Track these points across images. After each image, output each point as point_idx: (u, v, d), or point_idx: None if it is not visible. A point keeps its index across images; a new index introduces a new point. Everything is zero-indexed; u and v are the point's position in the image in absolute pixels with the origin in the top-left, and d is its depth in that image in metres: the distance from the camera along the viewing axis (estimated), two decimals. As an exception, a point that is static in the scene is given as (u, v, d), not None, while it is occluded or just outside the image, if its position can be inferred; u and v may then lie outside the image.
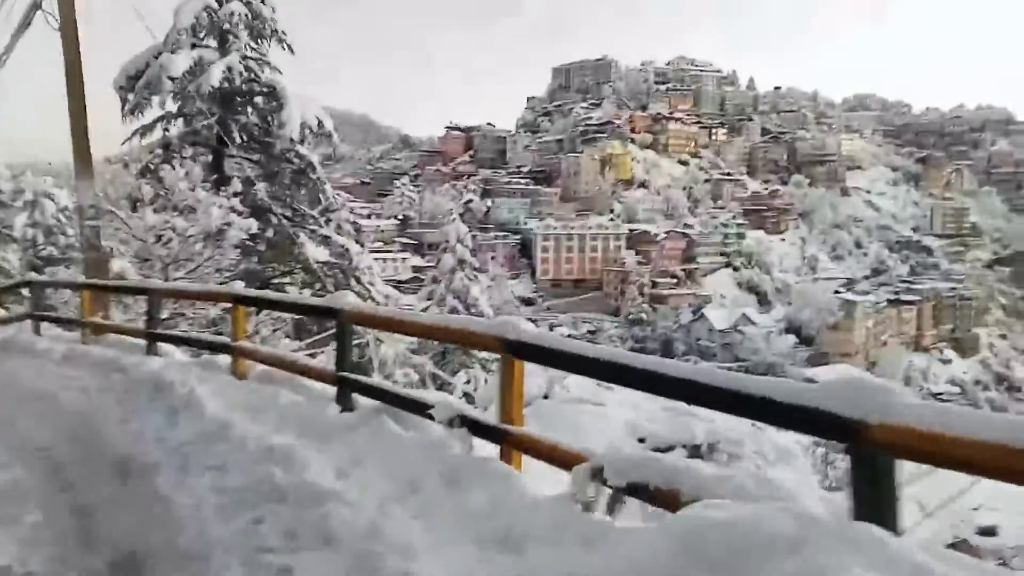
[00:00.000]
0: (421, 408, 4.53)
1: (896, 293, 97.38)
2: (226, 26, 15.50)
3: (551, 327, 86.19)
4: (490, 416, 4.17)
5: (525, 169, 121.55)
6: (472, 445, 4.15)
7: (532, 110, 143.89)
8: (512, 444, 3.88)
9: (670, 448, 4.99)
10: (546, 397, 6.09)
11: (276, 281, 16.21)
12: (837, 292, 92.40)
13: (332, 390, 5.59)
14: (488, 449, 4.12)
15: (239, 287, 7.20)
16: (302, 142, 16.45)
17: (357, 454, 4.41)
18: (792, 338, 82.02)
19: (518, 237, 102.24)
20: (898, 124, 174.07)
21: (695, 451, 4.95)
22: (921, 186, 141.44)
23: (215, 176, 15.54)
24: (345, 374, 5.48)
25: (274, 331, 13.82)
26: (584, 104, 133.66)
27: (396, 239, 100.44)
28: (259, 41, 16.06)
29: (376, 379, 7.65)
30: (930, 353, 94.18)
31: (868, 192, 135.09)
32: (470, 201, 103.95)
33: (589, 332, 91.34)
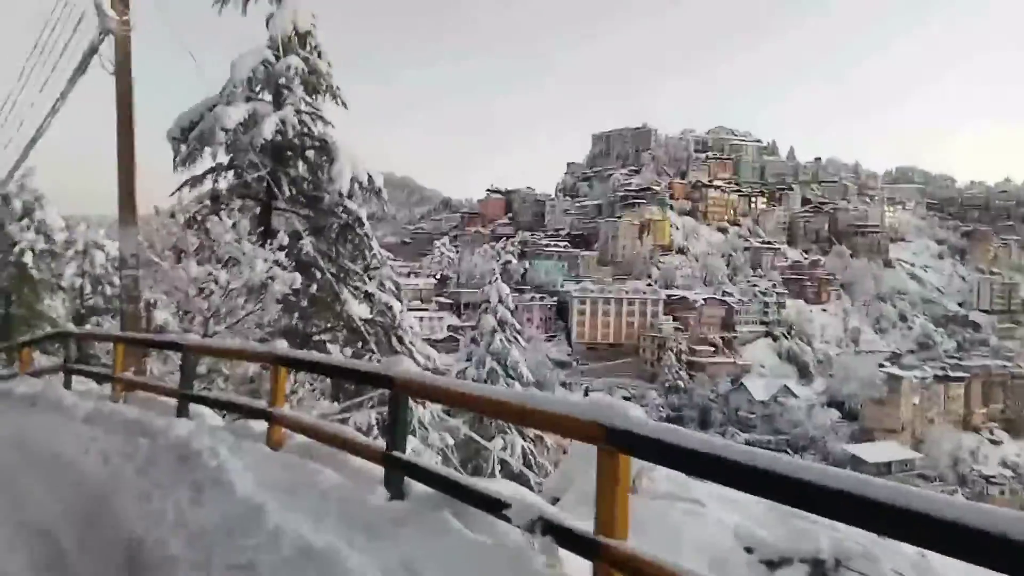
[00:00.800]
0: (490, 504, 3.74)
1: (943, 369, 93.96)
2: (282, 80, 15.42)
3: (586, 391, 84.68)
4: (583, 522, 3.37)
5: (563, 232, 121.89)
6: (559, 559, 3.36)
7: (572, 175, 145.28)
8: (612, 562, 3.07)
9: (785, 561, 4.10)
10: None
11: (317, 338, 15.71)
12: (882, 366, 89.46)
13: (378, 469, 4.82)
14: (578, 564, 3.31)
15: (282, 346, 6.54)
16: (350, 197, 16.14)
17: (410, 558, 3.63)
18: (835, 412, 79.16)
19: (554, 299, 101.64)
20: (941, 197, 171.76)
21: (818, 567, 4.03)
22: (967, 260, 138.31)
23: (261, 229, 15.23)
24: (398, 454, 4.70)
25: (312, 390, 13.19)
26: (624, 170, 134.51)
27: (434, 298, 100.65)
28: (314, 96, 15.94)
29: (434, 463, 6.33)
30: (980, 433, 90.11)
31: (912, 265, 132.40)
32: (508, 262, 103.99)
33: (624, 398, 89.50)
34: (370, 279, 17.63)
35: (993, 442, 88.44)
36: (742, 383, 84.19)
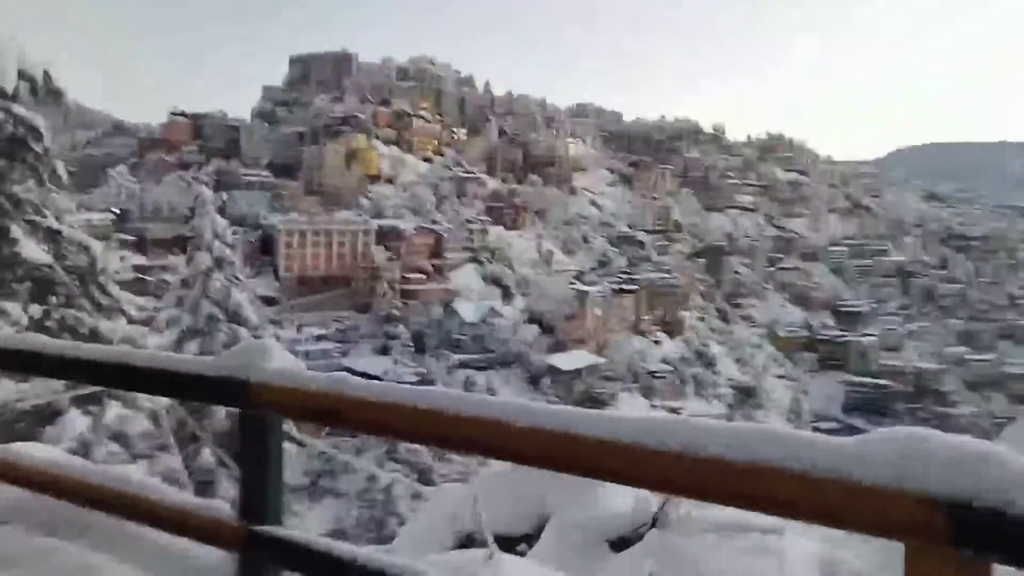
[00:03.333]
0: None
1: (619, 283, 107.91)
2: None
3: (299, 328, 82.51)
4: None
5: (264, 161, 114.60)
6: None
7: (269, 100, 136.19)
8: None
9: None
10: (654, 524, 3.52)
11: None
12: (571, 284, 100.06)
13: (215, 555, 2.62)
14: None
15: None
16: (15, 99, 12.77)
17: None
18: (535, 328, 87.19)
19: (259, 233, 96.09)
20: (612, 131, 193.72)
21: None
22: (634, 187, 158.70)
23: None
24: (269, 531, 2.44)
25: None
26: (325, 97, 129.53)
27: (113, 235, 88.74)
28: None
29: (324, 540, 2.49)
30: (646, 336, 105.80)
31: (592, 192, 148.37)
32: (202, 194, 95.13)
33: (339, 331, 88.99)
34: (47, 213, 14.63)
35: (656, 343, 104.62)
36: (453, 307, 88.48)
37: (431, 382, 71.98)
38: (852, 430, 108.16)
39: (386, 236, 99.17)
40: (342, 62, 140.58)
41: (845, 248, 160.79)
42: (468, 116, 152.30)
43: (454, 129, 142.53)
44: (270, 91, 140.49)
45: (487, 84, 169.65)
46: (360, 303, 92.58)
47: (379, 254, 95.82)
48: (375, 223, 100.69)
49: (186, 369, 2.60)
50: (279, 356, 2.37)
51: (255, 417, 2.42)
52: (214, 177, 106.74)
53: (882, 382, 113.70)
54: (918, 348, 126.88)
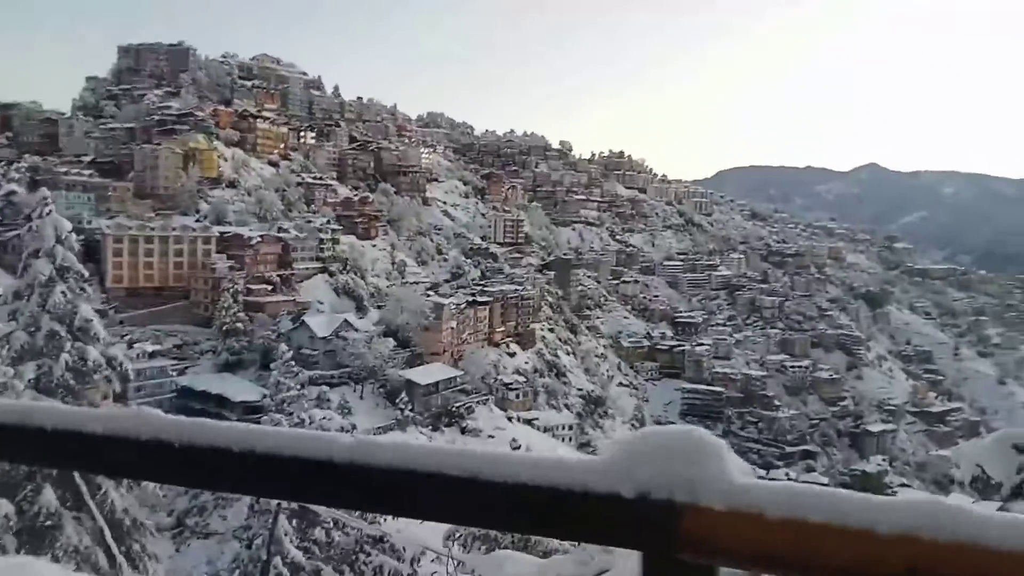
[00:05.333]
0: None
1: (473, 295, 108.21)
2: None
3: (130, 344, 75.33)
4: None
5: (87, 159, 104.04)
6: None
7: (93, 91, 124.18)
8: None
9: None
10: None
11: None
12: (427, 296, 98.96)
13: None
14: None
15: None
16: None
17: None
18: (391, 341, 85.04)
19: (81, 238, 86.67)
20: (463, 143, 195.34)
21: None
22: (486, 199, 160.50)
23: None
24: None
25: None
26: (159, 92, 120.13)
27: None
28: None
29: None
30: (500, 347, 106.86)
31: (445, 203, 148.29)
32: (13, 193, 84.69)
33: (176, 347, 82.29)
34: None
35: (510, 354, 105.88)
36: (303, 320, 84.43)
37: (280, 401, 68.16)
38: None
39: (229, 244, 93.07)
40: (178, 55, 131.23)
41: (680, 262, 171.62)
42: (316, 120, 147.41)
43: (302, 132, 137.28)
44: (95, 82, 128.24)
45: (336, 88, 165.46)
46: (200, 316, 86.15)
47: (221, 263, 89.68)
48: (216, 230, 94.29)
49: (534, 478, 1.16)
50: (728, 457, 1.16)
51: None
52: (28, 175, 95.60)
53: (715, 388, 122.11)
54: (745, 356, 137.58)
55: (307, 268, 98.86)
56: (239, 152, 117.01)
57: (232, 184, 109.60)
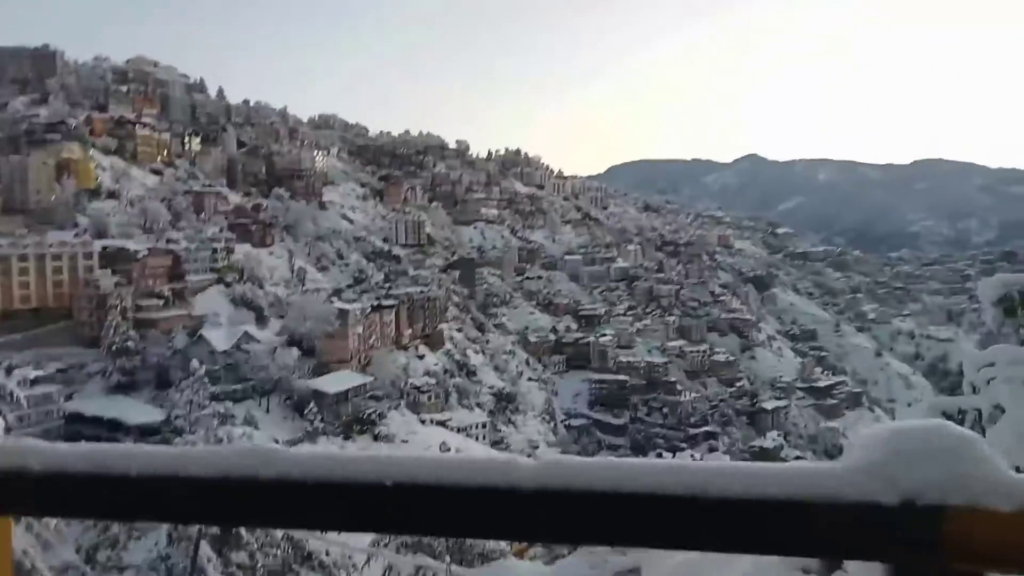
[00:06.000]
0: None
1: (378, 299, 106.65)
2: None
3: (9, 370, 70.02)
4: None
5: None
6: None
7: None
8: None
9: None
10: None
11: None
12: (330, 302, 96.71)
13: None
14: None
15: None
16: None
17: None
18: (295, 351, 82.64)
19: (-57, 259, 79.74)
20: (358, 145, 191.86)
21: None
22: (385, 201, 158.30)
23: None
24: None
25: None
26: (24, 99, 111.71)
27: None
28: None
29: None
30: (408, 350, 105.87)
31: (343, 206, 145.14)
32: None
33: (59, 371, 76.85)
34: None
35: (419, 357, 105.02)
36: (201, 335, 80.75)
37: (179, 420, 64.92)
38: (598, 424, 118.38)
39: (113, 259, 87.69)
40: (44, 59, 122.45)
41: (579, 256, 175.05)
42: (201, 124, 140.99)
43: (186, 138, 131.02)
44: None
45: (220, 91, 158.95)
46: (86, 336, 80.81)
47: (105, 279, 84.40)
48: (98, 244, 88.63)
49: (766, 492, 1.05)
50: (993, 453, 1.06)
51: None
52: None
53: (620, 377, 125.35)
54: (646, 344, 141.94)
55: (201, 280, 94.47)
56: (118, 161, 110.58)
57: (113, 195, 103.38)
